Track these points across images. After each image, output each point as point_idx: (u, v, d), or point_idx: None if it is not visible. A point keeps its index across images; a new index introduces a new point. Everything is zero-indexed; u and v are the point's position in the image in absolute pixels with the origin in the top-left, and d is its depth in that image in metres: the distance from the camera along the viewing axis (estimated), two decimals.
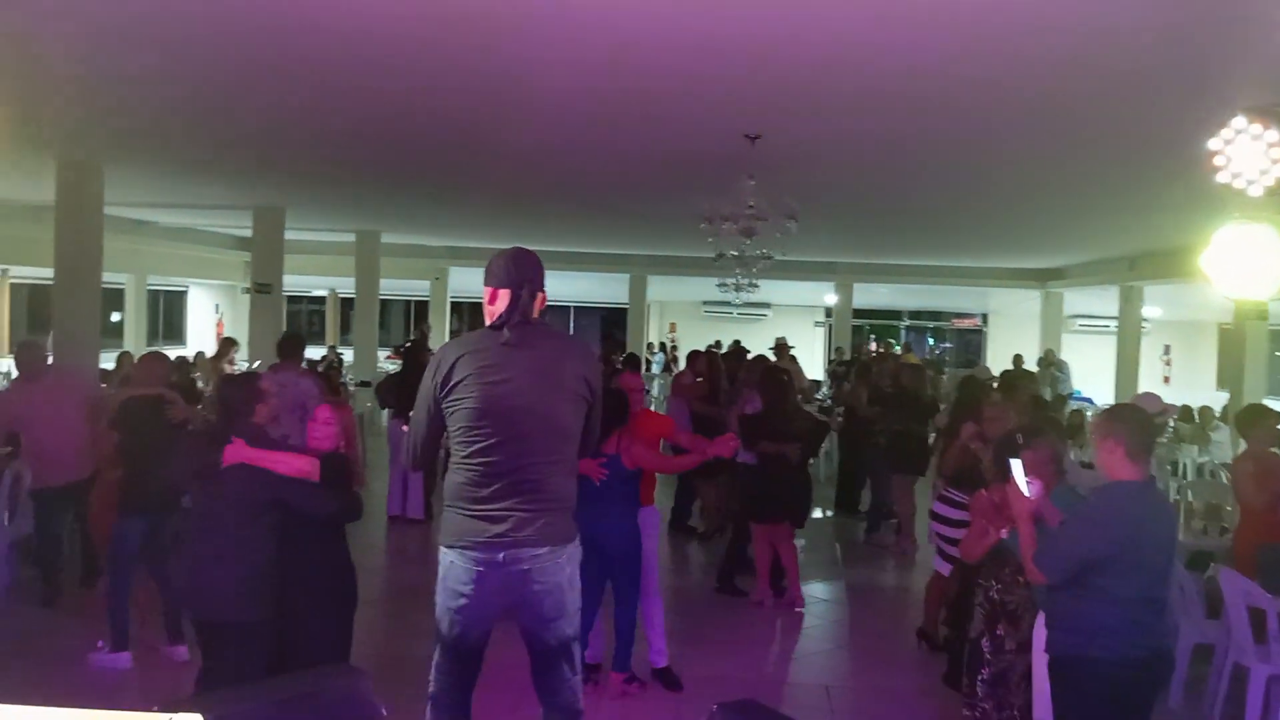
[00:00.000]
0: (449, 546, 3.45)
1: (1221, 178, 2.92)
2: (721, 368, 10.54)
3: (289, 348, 7.85)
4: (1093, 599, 3.48)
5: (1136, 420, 3.59)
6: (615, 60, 5.50)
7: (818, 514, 10.78)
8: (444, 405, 3.41)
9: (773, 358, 12.15)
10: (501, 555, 3.36)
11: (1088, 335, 22.93)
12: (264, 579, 4.11)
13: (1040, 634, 4.24)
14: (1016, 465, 3.76)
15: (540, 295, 3.48)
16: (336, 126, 7.79)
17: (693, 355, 10.81)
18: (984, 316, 27.41)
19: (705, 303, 26.30)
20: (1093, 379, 19.60)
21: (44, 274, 11.69)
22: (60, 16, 4.99)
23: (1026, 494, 3.65)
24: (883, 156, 8.23)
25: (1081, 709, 3.52)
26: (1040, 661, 4.23)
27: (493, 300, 3.46)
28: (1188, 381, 21.56)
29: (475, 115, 7.17)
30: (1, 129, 7.70)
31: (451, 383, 3.38)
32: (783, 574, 7.62)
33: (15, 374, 7.31)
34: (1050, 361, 17.42)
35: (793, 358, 14.34)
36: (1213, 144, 2.95)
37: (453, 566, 3.43)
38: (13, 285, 18.49)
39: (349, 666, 2.95)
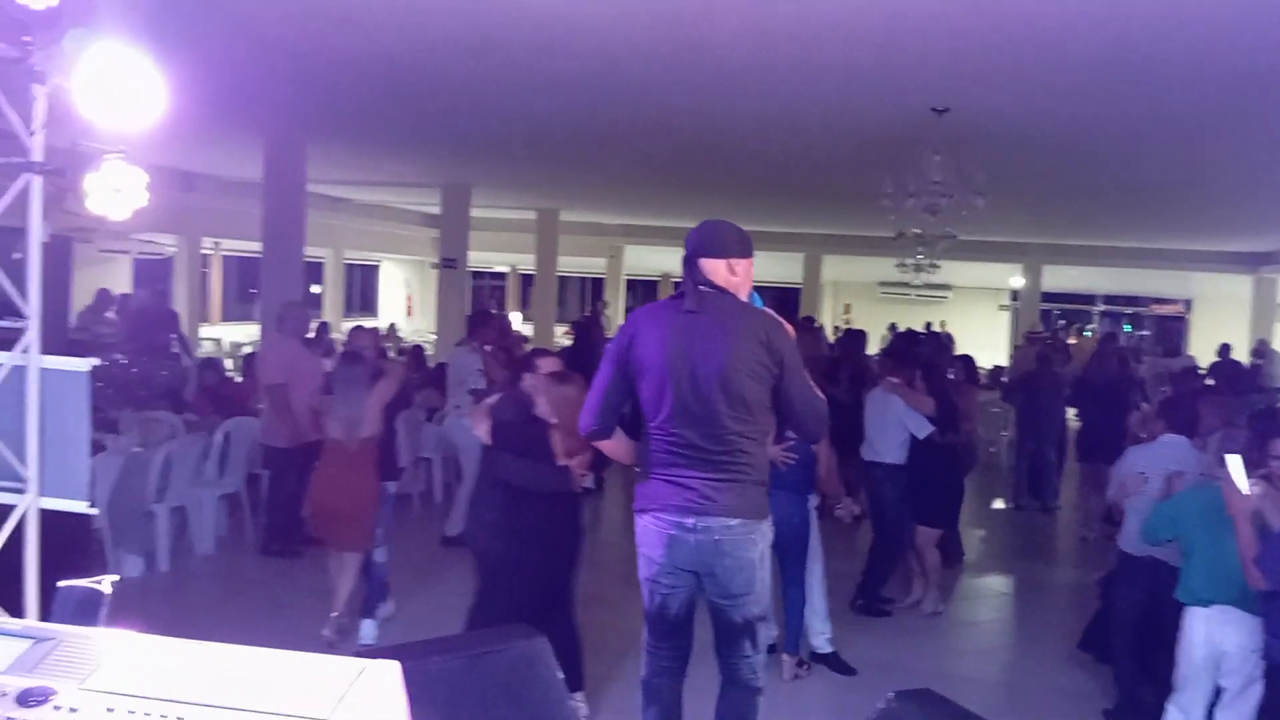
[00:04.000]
0: (642, 511, 3.48)
1: None
2: (862, 349, 10.03)
3: (474, 323, 8.39)
4: None
5: None
6: (798, 29, 5.40)
7: (999, 504, 10.43)
8: (628, 369, 3.44)
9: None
10: (692, 521, 3.33)
11: None
12: (492, 514, 4.51)
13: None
14: (1235, 461, 3.48)
15: (720, 264, 3.40)
16: (524, 105, 7.99)
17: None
18: (1187, 303, 25.61)
19: (882, 284, 25.56)
20: None
21: (252, 247, 12.44)
22: None
23: (1245, 491, 3.38)
24: (1079, 131, 7.79)
25: None
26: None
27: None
28: None
29: (658, 92, 7.21)
30: (216, 108, 8.26)
31: (635, 348, 3.42)
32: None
33: (273, 330, 7.67)
34: (1262, 353, 16.16)
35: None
36: None
37: (646, 530, 3.46)
38: (224, 258, 19.86)
39: (529, 629, 3.03)
